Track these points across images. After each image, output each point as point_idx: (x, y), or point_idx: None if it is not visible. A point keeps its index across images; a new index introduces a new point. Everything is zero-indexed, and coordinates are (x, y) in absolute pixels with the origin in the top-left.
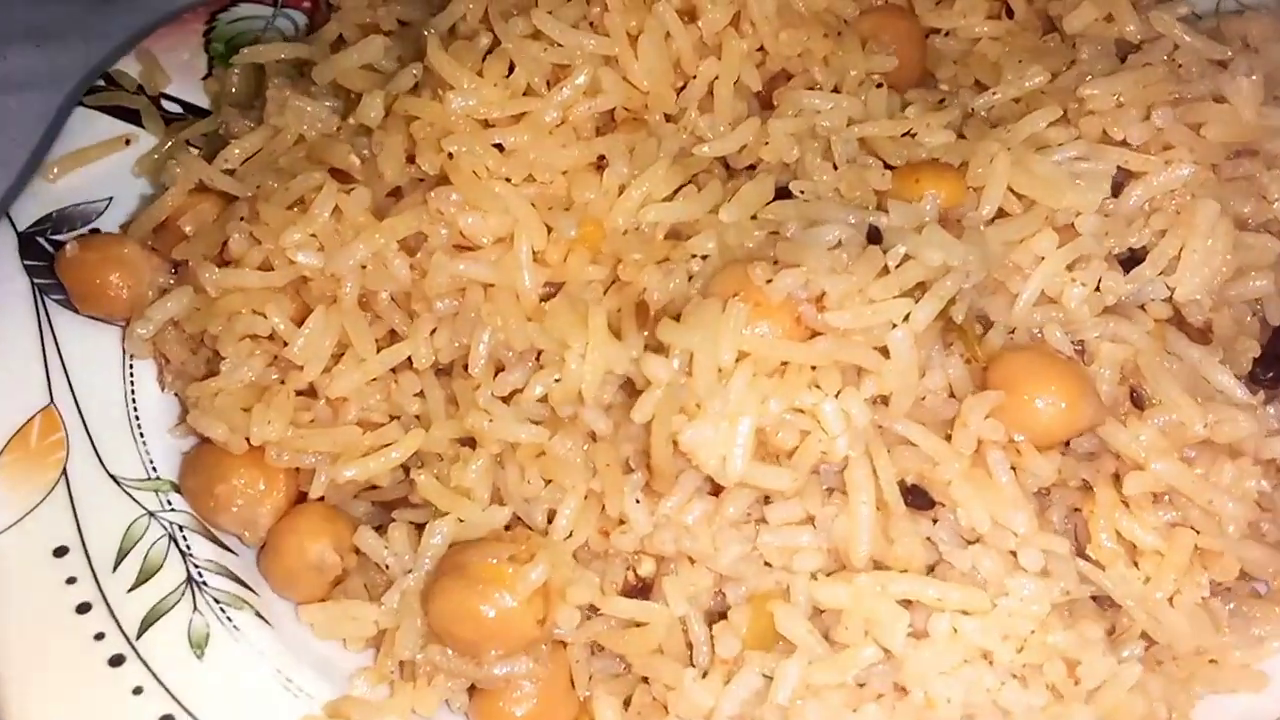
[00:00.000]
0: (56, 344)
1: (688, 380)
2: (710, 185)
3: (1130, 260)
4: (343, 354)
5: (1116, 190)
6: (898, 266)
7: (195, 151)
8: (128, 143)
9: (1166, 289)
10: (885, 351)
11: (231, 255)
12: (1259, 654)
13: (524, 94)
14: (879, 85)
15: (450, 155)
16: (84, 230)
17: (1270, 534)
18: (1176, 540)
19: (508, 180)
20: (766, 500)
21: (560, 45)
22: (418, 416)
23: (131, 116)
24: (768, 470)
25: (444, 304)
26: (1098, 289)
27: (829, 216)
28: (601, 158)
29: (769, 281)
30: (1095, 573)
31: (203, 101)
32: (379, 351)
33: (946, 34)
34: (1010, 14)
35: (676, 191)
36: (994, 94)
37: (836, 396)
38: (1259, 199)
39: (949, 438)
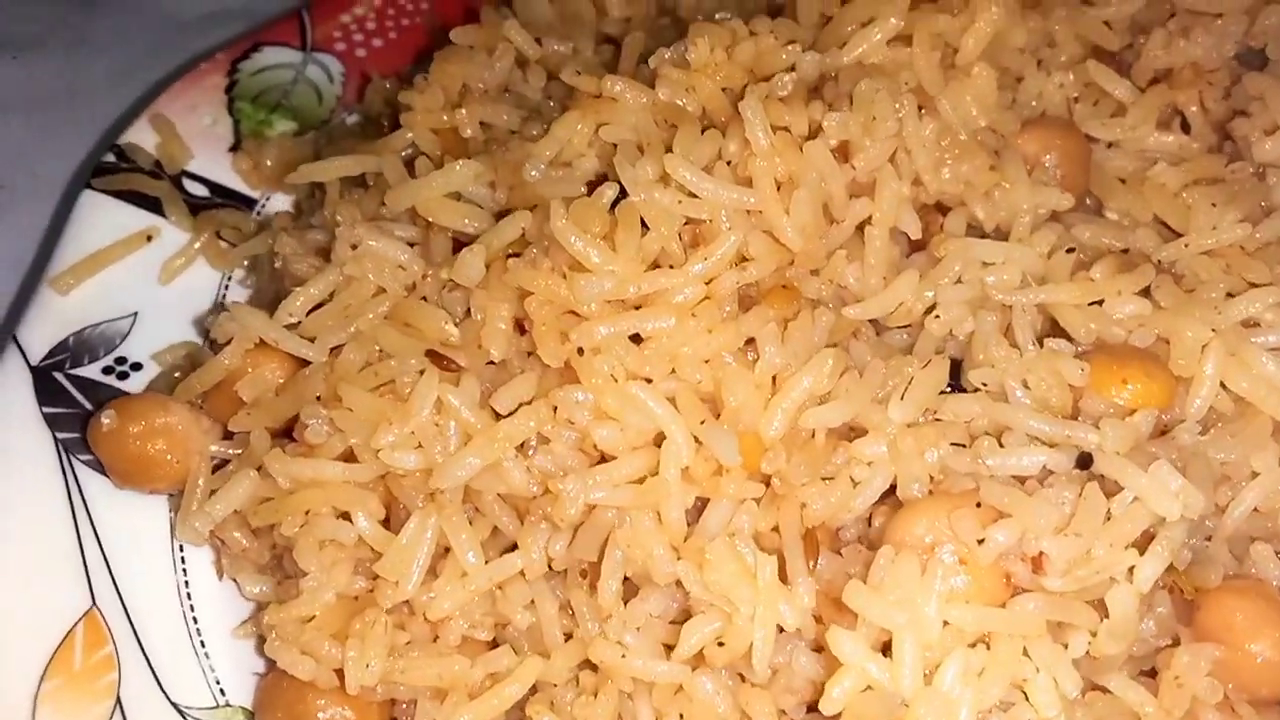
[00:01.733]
0: (92, 523)
1: (878, 664)
2: (871, 369)
3: None
4: (440, 564)
5: None
6: (1126, 515)
7: (227, 245)
8: (149, 239)
9: None
10: (1102, 607)
11: (306, 443)
12: None
13: (655, 263)
14: (1069, 250)
15: (581, 351)
16: (108, 359)
17: None
18: None
19: (647, 380)
20: None
21: (696, 197)
22: (529, 631)
23: (150, 204)
24: None
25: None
26: None
27: (1025, 427)
28: (750, 341)
29: (981, 541)
30: None
31: (232, 180)
32: (485, 562)
33: (1111, 145)
34: (1186, 128)
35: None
36: (1185, 244)
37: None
38: None
39: (1153, 673)
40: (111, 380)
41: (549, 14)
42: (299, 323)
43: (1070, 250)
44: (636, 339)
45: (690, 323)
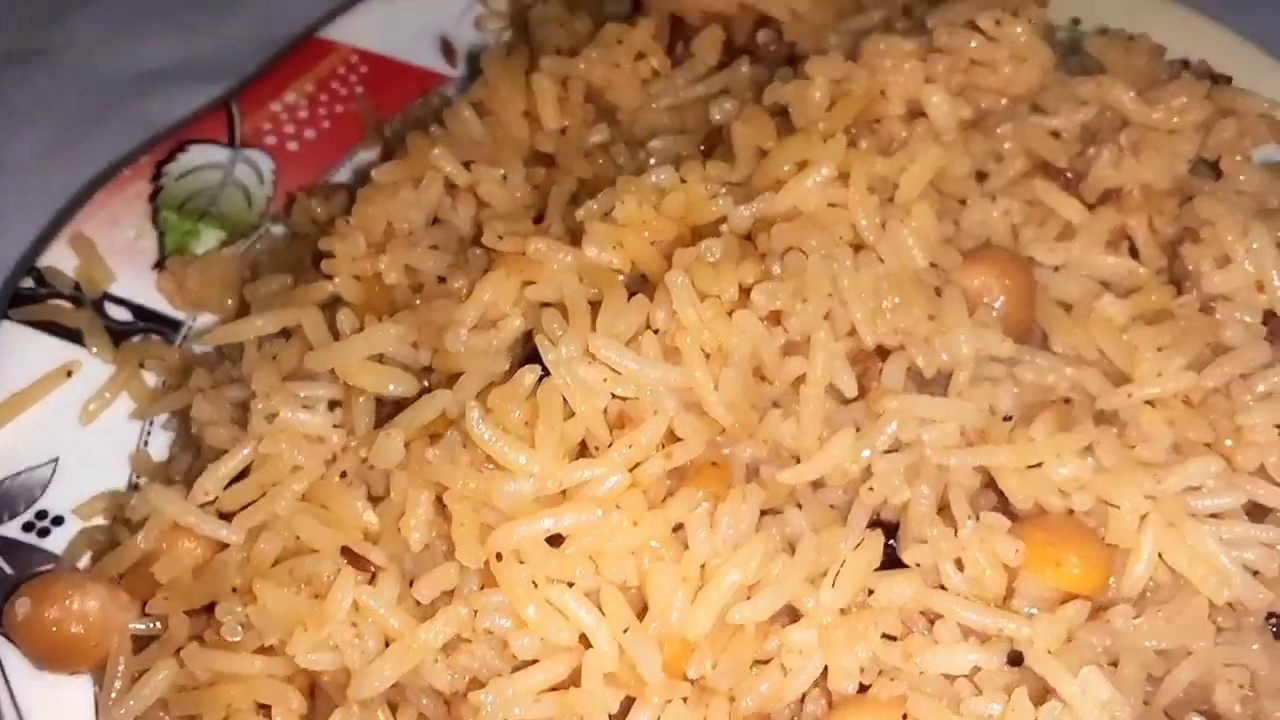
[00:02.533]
0: (14, 700)
1: None
2: (803, 547)
3: None
4: None
5: None
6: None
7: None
8: (70, 374)
9: None
10: None
11: (224, 638)
12: None
13: (581, 443)
14: (1006, 419)
15: (499, 556)
16: (29, 514)
17: None
18: None
19: (569, 584)
20: None
21: (619, 374)
22: None
23: (70, 335)
24: None
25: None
26: None
27: (957, 617)
28: (679, 526)
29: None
30: None
31: (156, 301)
32: None
33: (1057, 269)
34: (1135, 251)
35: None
36: (1129, 394)
37: None
38: None
39: None
40: (32, 539)
41: (479, 133)
42: (213, 501)
43: (1008, 419)
44: (558, 539)
45: (614, 516)
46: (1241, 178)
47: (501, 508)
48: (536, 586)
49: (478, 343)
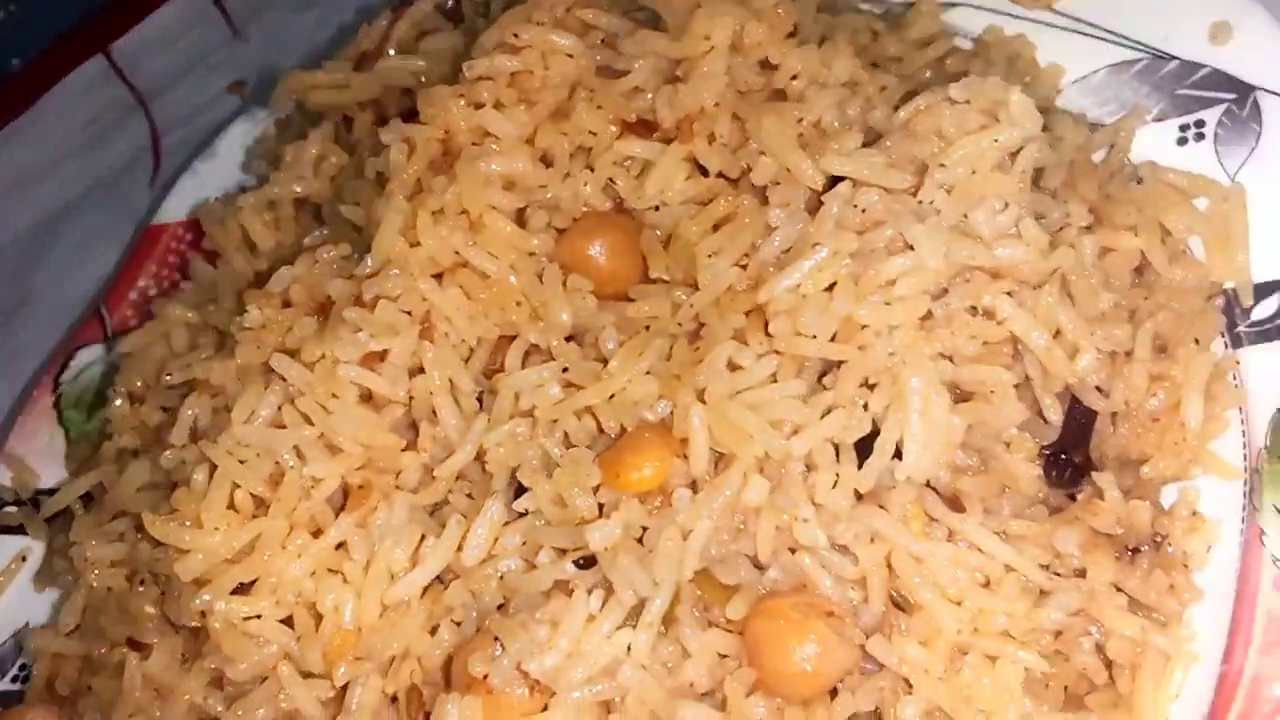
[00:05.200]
0: None
1: None
2: (451, 526)
3: (869, 440)
4: None
5: (826, 370)
6: (601, 610)
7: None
8: (24, 559)
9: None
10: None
11: None
12: None
13: (255, 510)
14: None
15: (203, 614)
16: (14, 670)
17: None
18: None
19: (257, 617)
20: None
21: (268, 449)
22: None
23: (18, 530)
24: None
25: None
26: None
27: (548, 542)
28: (342, 544)
29: (485, 676)
30: None
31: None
32: None
33: (659, 209)
34: (705, 172)
35: (421, 544)
36: (690, 303)
37: None
38: (984, 320)
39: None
40: (20, 686)
41: (212, 275)
42: (76, 628)
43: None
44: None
45: (285, 554)
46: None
47: (185, 580)
48: (234, 626)
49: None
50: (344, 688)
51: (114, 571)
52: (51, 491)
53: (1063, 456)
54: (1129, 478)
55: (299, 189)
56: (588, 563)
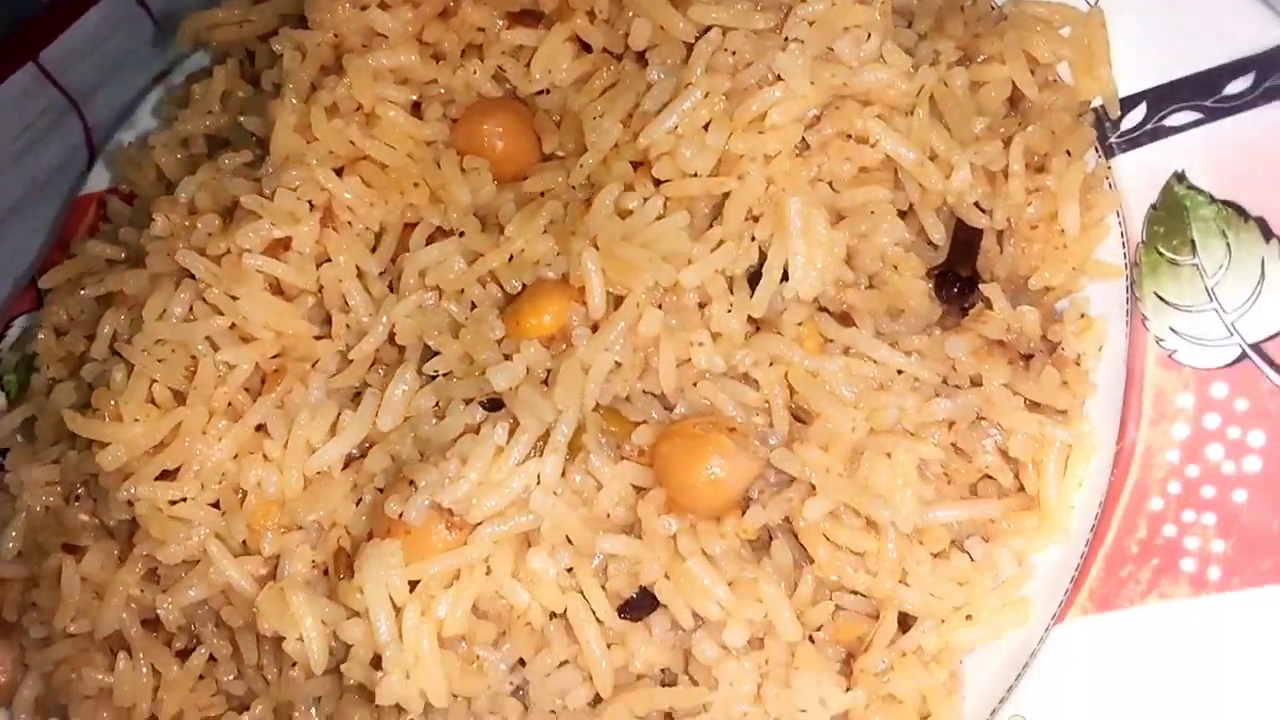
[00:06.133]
0: None
1: (371, 633)
2: (366, 400)
3: (757, 270)
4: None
5: (716, 214)
6: (507, 441)
7: None
8: None
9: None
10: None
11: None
12: (1016, 585)
13: (174, 403)
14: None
15: (130, 504)
16: None
17: (982, 462)
18: (879, 534)
19: (184, 500)
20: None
21: (182, 343)
22: (246, 695)
23: None
24: (474, 679)
25: (204, 610)
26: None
27: (452, 403)
28: (260, 425)
29: (400, 515)
30: (835, 583)
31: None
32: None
33: (547, 92)
34: (589, 49)
35: (339, 419)
36: (581, 165)
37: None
38: (858, 144)
39: None
40: None
41: (126, 211)
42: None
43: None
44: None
45: (206, 438)
46: None
47: (108, 471)
48: (162, 512)
49: None
50: (275, 563)
51: (50, 490)
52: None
53: (950, 274)
54: (1023, 298)
55: (208, 124)
56: (494, 405)
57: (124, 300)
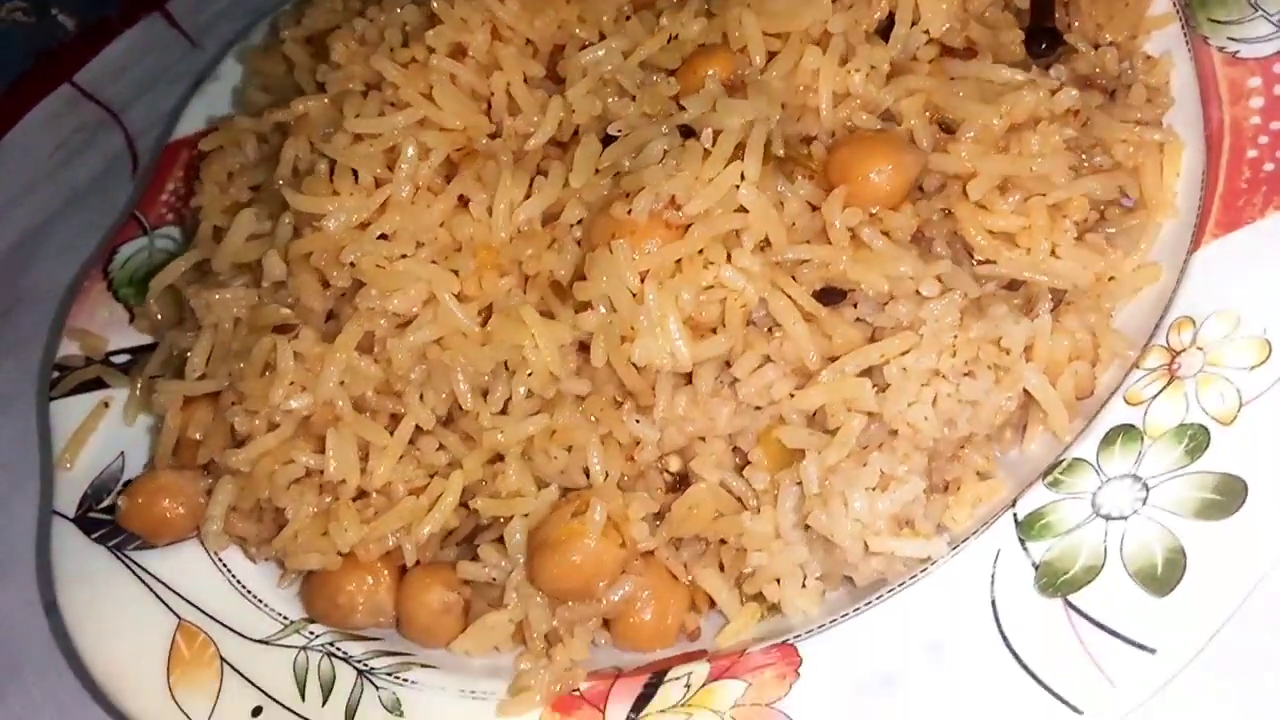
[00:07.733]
0: (158, 580)
1: (616, 317)
2: (554, 169)
3: (888, 24)
4: (368, 453)
5: None
6: (713, 144)
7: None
8: (107, 405)
9: (924, 34)
10: (745, 209)
11: (241, 435)
12: (1146, 252)
13: (376, 187)
14: (628, 18)
15: (352, 264)
16: (120, 487)
17: (1097, 161)
18: (1031, 210)
19: (404, 256)
20: (728, 364)
21: (379, 135)
22: (450, 464)
23: (96, 385)
24: (708, 343)
25: (416, 373)
26: (874, 67)
27: (647, 137)
28: (461, 197)
29: (629, 212)
30: (991, 267)
31: (143, 340)
32: (392, 435)
33: None
34: None
35: (531, 187)
36: None
37: (729, 261)
38: None
39: (828, 240)
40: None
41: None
42: (203, 375)
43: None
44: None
45: (414, 209)
46: None
47: (339, 242)
48: (383, 269)
49: None
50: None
51: (238, 301)
52: (120, 352)
53: (1038, 29)
54: None
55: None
56: (687, 133)
57: (305, 127)
